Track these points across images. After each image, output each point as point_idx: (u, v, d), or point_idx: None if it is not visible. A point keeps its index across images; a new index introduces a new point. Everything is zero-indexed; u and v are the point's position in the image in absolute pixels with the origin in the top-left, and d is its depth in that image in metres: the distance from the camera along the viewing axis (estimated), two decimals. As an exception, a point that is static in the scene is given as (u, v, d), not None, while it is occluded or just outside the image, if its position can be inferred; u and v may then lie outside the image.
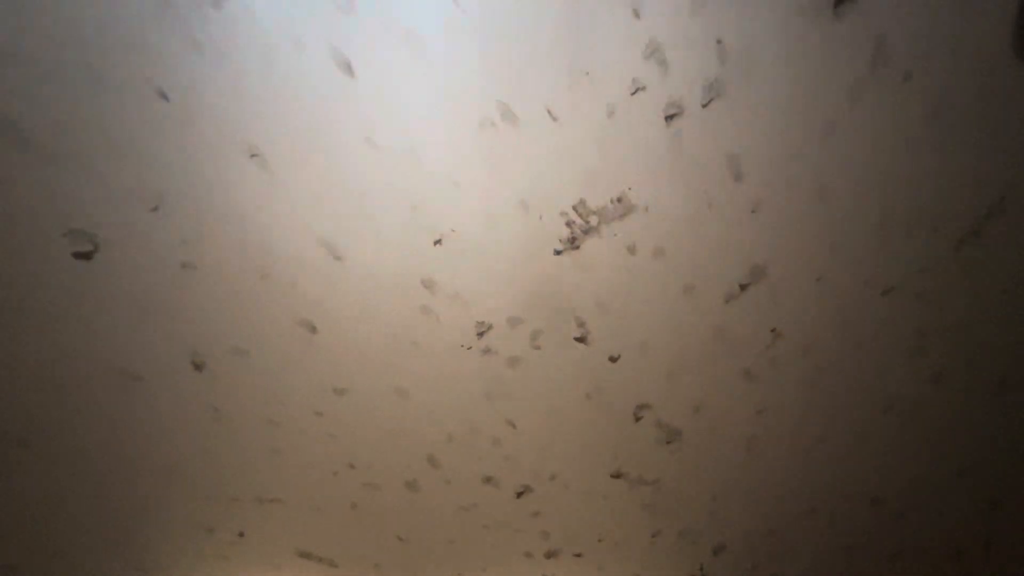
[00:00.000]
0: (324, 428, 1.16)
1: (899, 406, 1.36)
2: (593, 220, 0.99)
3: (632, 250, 1.03)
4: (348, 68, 0.81)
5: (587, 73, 0.85)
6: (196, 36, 0.76)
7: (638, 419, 1.27)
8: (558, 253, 1.02)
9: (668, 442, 1.32)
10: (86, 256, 0.89)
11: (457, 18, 0.79)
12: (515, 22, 0.80)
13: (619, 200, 0.97)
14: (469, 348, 1.10)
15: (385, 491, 1.29)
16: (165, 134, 0.82)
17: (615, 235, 1.01)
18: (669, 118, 0.90)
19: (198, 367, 1.04)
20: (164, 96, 0.79)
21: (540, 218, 0.97)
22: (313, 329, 1.03)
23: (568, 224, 0.99)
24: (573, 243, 1.01)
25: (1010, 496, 1.63)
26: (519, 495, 1.36)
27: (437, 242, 0.98)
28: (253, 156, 0.86)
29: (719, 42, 0.84)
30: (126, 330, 0.98)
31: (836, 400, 1.31)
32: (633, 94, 0.87)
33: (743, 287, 1.10)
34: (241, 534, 1.31)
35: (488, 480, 1.32)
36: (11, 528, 1.21)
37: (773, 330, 1.17)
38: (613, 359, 1.16)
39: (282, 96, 0.81)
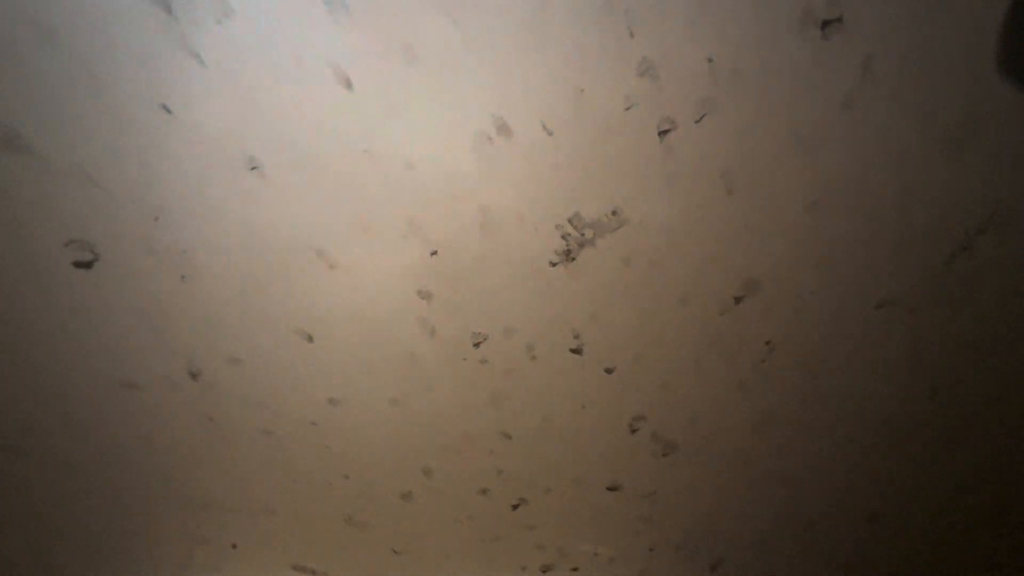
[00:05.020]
0: (319, 438, 1.16)
1: (896, 420, 1.36)
2: (588, 233, 1.00)
3: (627, 262, 1.04)
4: (347, 82, 0.82)
5: (582, 90, 0.87)
6: (199, 50, 0.77)
7: (634, 431, 1.27)
8: (553, 265, 1.03)
9: (664, 455, 1.32)
10: (86, 265, 0.90)
11: (454, 34, 0.81)
12: (511, 39, 0.82)
13: (614, 213, 0.98)
14: (464, 359, 1.11)
15: (379, 502, 1.29)
16: (167, 146, 0.83)
17: (610, 247, 1.02)
18: (662, 133, 0.91)
19: (194, 376, 1.04)
20: (166, 108, 0.81)
21: (536, 230, 0.99)
22: (309, 338, 1.04)
23: (563, 236, 1.00)
24: (568, 255, 1.02)
25: (1011, 513, 1.62)
26: (515, 507, 1.35)
27: (433, 253, 0.99)
28: (253, 168, 0.87)
29: (710, 60, 0.85)
30: (123, 339, 0.98)
31: (832, 413, 1.31)
32: (627, 110, 0.89)
33: (737, 300, 1.11)
34: (234, 546, 1.30)
35: (483, 492, 1.31)
36: (3, 536, 1.20)
37: (767, 343, 1.17)
38: (608, 371, 1.17)
39: (282, 109, 0.83)
